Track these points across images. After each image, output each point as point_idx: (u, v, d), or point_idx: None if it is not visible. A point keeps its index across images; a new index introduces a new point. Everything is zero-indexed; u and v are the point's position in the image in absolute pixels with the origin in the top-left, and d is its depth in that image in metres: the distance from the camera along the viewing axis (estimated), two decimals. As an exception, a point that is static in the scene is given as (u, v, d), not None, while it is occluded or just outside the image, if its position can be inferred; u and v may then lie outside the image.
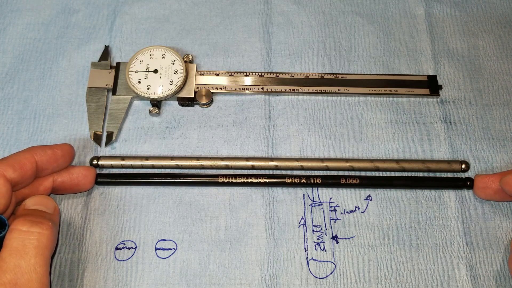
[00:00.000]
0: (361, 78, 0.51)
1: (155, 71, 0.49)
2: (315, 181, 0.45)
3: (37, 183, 0.42)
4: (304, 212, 0.45)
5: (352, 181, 0.45)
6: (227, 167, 0.46)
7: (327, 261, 0.43)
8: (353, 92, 0.50)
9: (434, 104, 0.50)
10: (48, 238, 0.36)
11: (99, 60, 0.51)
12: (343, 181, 0.45)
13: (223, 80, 0.50)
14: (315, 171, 0.47)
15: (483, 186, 0.44)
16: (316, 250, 0.44)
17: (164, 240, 0.44)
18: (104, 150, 0.48)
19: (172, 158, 0.47)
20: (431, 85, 0.50)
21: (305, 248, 0.44)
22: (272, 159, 0.47)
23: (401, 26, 0.55)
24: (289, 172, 0.47)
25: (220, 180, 0.46)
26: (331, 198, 0.46)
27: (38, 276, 0.34)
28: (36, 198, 0.39)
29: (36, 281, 0.34)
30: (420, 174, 0.47)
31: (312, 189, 0.46)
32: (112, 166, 0.47)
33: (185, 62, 0.50)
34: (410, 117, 0.50)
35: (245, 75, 0.51)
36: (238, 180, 0.46)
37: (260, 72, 0.51)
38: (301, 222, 0.45)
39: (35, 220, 0.36)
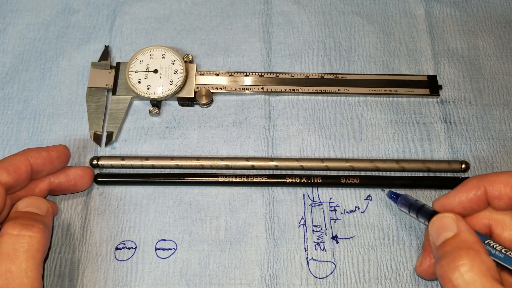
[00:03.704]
0: (361, 78, 0.51)
1: (155, 71, 0.49)
2: (316, 181, 0.45)
3: (33, 185, 0.41)
4: (304, 212, 0.45)
5: (353, 180, 0.45)
6: (227, 167, 0.46)
7: (327, 261, 0.43)
8: (353, 92, 0.50)
9: (434, 104, 0.50)
10: (39, 241, 0.35)
11: (99, 60, 0.51)
12: (343, 180, 0.45)
13: (223, 80, 0.50)
14: (315, 171, 0.47)
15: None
16: (316, 250, 0.44)
17: (164, 240, 0.44)
18: (104, 150, 0.48)
19: (172, 158, 0.47)
20: (431, 85, 0.50)
21: (305, 248, 0.44)
22: (272, 159, 0.47)
23: (401, 26, 0.55)
24: (289, 172, 0.47)
25: (221, 179, 0.46)
26: (331, 198, 0.46)
27: (30, 281, 0.34)
28: (28, 200, 0.39)
29: (28, 285, 0.33)
30: (420, 174, 0.47)
31: (312, 189, 0.46)
32: (112, 166, 0.47)
33: (185, 62, 0.50)
34: (410, 117, 0.50)
35: (245, 75, 0.51)
36: (238, 179, 0.46)
37: (260, 72, 0.51)
38: (301, 222, 0.45)
39: (26, 223, 0.35)
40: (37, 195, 0.41)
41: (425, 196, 0.46)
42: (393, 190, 0.45)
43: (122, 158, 0.47)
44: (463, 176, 0.47)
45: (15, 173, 0.38)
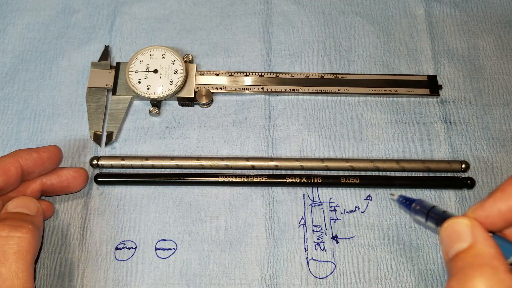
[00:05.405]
0: (361, 78, 0.51)
1: (155, 71, 0.49)
2: (316, 180, 0.45)
3: (24, 186, 0.41)
4: (304, 212, 0.45)
5: (353, 180, 0.45)
6: (227, 167, 0.46)
7: (327, 261, 0.43)
8: (353, 92, 0.50)
9: (434, 104, 0.50)
10: (29, 242, 0.35)
11: (99, 60, 0.51)
12: (343, 180, 0.45)
13: (223, 80, 0.50)
14: (315, 171, 0.47)
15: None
16: (316, 250, 0.44)
17: (164, 240, 0.44)
18: (104, 150, 0.48)
19: (172, 158, 0.47)
20: (431, 85, 0.50)
21: (305, 248, 0.44)
22: (272, 159, 0.47)
23: (401, 26, 0.55)
24: (289, 172, 0.47)
25: (221, 179, 0.46)
26: (331, 198, 0.46)
27: (21, 282, 0.33)
28: (18, 200, 0.38)
29: (19, 287, 0.33)
30: (420, 174, 0.47)
31: (312, 189, 0.46)
32: (112, 166, 0.47)
33: (185, 62, 0.50)
34: (410, 117, 0.50)
35: (245, 75, 0.51)
36: (238, 179, 0.46)
37: (260, 72, 0.51)
38: (301, 222, 0.45)
39: (15, 224, 0.35)
40: (29, 196, 0.41)
41: (425, 196, 0.46)
42: (404, 195, 0.38)
43: (122, 158, 0.47)
44: (463, 176, 0.47)
45: (4, 175, 0.38)
